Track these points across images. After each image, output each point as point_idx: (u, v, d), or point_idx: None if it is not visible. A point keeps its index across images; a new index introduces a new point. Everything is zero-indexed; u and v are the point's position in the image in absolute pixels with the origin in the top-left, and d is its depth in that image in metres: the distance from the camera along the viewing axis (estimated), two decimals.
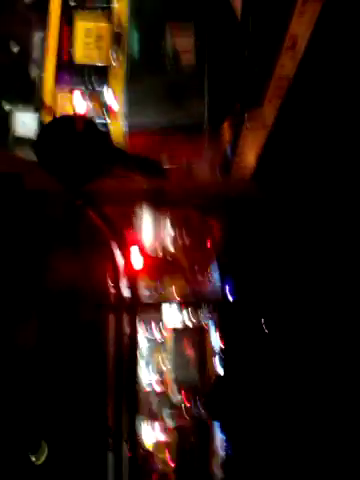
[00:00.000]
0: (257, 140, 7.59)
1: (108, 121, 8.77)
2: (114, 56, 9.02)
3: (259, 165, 7.94)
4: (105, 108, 8.90)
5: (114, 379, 6.63)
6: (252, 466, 6.52)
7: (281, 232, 7.29)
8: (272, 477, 6.41)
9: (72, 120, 6.04)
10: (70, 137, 5.83)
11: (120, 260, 7.48)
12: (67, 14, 9.09)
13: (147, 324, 8.22)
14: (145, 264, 7.61)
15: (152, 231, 8.54)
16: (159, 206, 7.88)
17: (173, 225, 8.67)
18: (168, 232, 8.62)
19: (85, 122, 5.99)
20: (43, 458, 5.72)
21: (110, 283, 7.32)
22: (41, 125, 7.61)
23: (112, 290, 7.29)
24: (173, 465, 7.65)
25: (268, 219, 7.45)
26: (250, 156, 7.84)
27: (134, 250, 7.71)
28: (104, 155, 5.91)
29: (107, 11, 9.15)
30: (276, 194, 7.45)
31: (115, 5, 9.13)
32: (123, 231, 7.46)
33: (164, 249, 8.51)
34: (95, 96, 8.99)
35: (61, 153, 5.84)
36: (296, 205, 7.40)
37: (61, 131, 5.89)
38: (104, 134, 6.13)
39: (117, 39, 9.04)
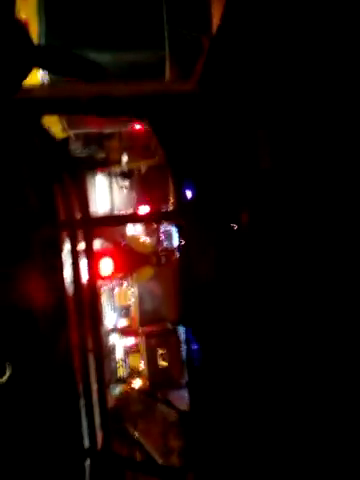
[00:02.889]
0: None
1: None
2: None
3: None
4: None
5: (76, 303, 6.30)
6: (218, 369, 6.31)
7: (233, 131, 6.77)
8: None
9: None
10: None
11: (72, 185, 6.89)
12: None
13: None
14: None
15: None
16: (104, 115, 7.10)
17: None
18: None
19: None
20: (5, 378, 5.80)
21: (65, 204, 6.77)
22: None
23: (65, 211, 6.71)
24: (142, 366, 7.94)
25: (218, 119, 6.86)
26: None
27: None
28: (24, 50, 5.06)
29: None
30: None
31: None
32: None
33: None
34: None
35: None
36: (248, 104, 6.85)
37: None
38: (23, 27, 5.23)
39: None
